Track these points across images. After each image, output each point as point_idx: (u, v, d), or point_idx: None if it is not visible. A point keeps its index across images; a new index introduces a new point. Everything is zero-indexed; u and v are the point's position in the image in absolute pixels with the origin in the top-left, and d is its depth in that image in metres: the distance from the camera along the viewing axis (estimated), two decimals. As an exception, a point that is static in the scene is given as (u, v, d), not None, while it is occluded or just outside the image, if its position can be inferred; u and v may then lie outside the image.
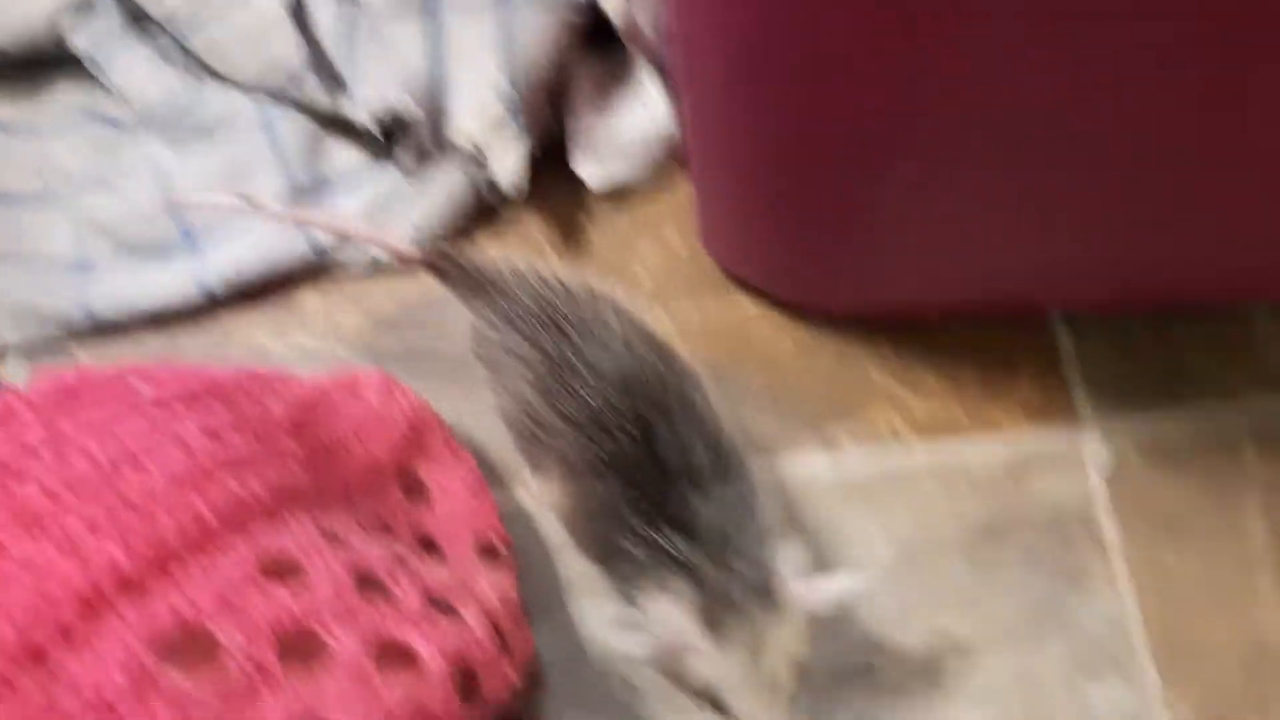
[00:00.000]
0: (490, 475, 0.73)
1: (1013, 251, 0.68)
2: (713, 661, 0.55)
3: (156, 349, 0.76)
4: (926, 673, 0.70)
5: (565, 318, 0.62)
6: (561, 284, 0.65)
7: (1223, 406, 0.78)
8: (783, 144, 0.61)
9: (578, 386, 0.60)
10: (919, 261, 0.69)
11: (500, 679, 0.51)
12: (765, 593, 0.55)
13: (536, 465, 0.66)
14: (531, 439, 0.64)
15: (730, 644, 0.54)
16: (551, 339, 0.61)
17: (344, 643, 0.44)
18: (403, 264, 0.73)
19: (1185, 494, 0.75)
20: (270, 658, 0.42)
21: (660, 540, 0.56)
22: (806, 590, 0.56)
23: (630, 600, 0.58)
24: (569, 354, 0.60)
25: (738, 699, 0.55)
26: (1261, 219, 0.65)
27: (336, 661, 0.43)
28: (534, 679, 0.68)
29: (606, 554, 0.61)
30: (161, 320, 0.78)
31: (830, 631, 0.69)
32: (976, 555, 0.73)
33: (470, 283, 0.67)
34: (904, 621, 0.71)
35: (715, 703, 0.56)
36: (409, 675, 0.45)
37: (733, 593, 0.54)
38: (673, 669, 0.57)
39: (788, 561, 0.57)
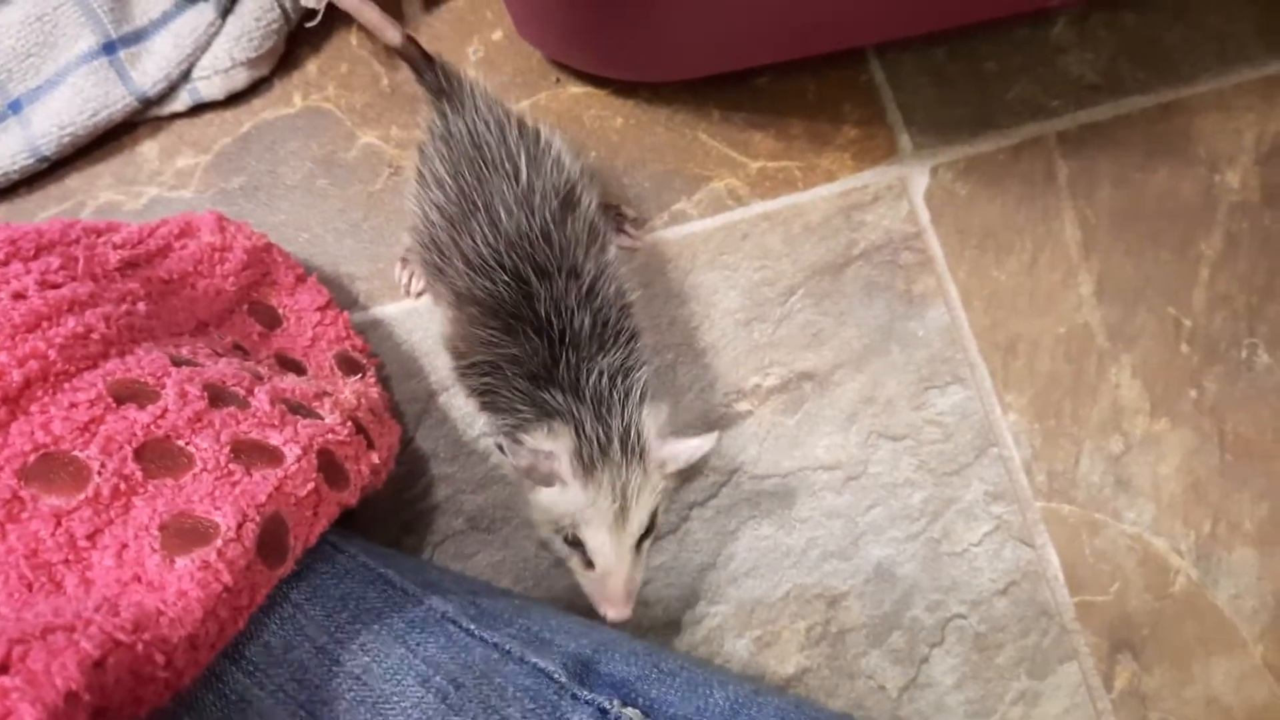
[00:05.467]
0: (346, 290, 0.76)
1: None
2: (578, 496, 0.61)
3: (5, 220, 0.77)
4: (787, 408, 0.76)
5: (490, 159, 0.65)
6: (505, 117, 0.68)
7: (1032, 124, 0.82)
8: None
9: (478, 229, 0.64)
10: (723, 11, 0.69)
11: (366, 466, 0.56)
12: (635, 448, 0.62)
13: (431, 286, 0.70)
14: (430, 262, 0.68)
15: (596, 484, 0.61)
16: (471, 175, 0.65)
17: (202, 448, 0.47)
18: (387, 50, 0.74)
19: (1003, 210, 0.80)
20: (133, 469, 0.45)
21: (548, 399, 0.62)
22: (668, 451, 0.63)
23: (513, 437, 0.63)
24: (479, 197, 0.64)
25: (594, 533, 0.62)
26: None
27: (199, 465, 0.47)
28: (418, 469, 0.73)
29: (494, 403, 0.66)
30: (4, 192, 0.78)
31: (693, 388, 0.75)
32: (819, 292, 0.78)
33: (436, 83, 0.70)
34: (761, 366, 0.77)
35: (568, 535, 0.63)
36: (273, 469, 0.49)
37: (607, 442, 0.61)
38: (543, 484, 0.63)
39: (654, 422, 0.64)
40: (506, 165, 0.65)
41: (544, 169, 0.66)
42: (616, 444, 0.61)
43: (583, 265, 0.64)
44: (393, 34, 0.72)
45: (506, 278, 0.63)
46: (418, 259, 0.71)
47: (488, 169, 0.65)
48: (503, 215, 0.64)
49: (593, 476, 0.61)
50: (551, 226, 0.64)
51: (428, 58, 0.71)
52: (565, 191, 0.66)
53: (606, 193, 0.78)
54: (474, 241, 0.64)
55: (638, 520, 0.62)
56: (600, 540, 0.61)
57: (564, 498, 0.62)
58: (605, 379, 0.63)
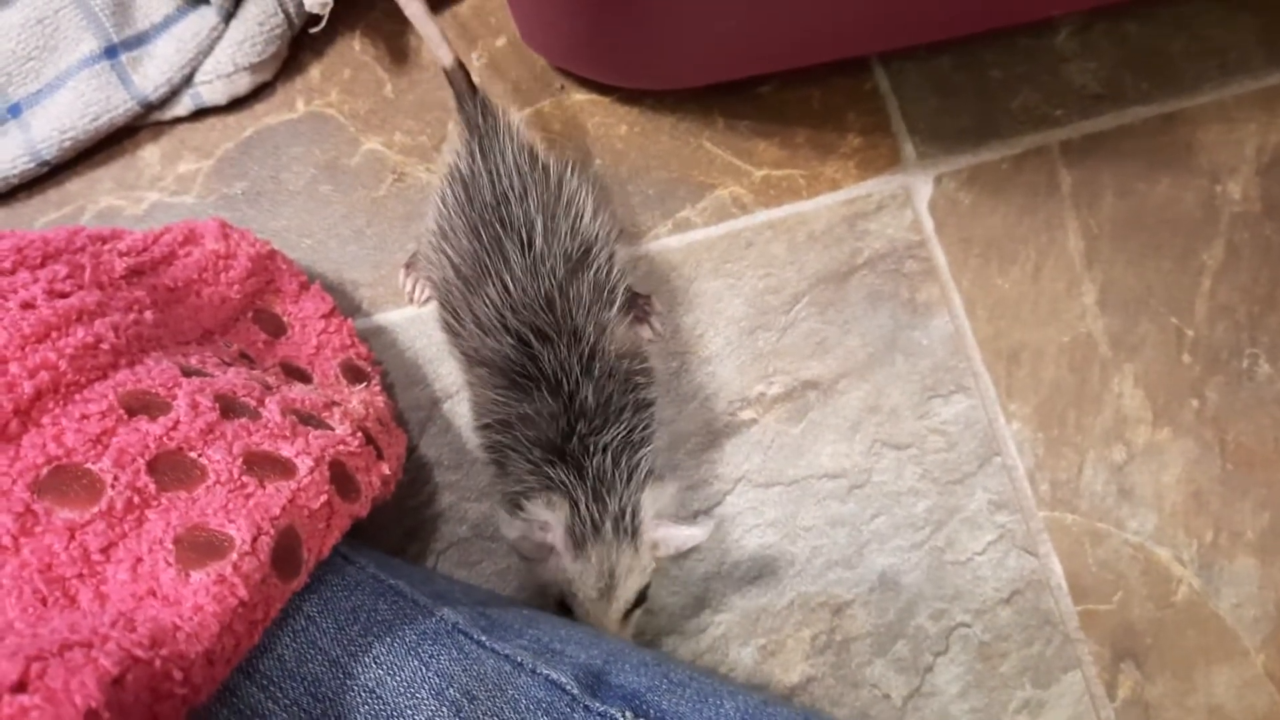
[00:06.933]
0: (350, 297, 0.76)
1: None
2: (567, 567, 0.63)
3: (4, 225, 0.77)
4: (791, 417, 0.76)
5: (507, 219, 0.65)
6: (530, 165, 0.67)
7: (1036, 134, 0.82)
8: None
9: (489, 293, 0.64)
10: (728, 19, 0.69)
11: (376, 477, 0.56)
12: (628, 529, 0.63)
13: (450, 349, 0.71)
14: (447, 323, 0.69)
15: (586, 559, 0.62)
16: (489, 236, 0.65)
17: (215, 460, 0.47)
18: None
19: (1007, 220, 0.81)
20: (146, 482, 0.45)
21: (551, 473, 0.63)
22: (661, 535, 0.64)
23: (515, 501, 0.64)
24: (492, 262, 0.64)
25: (578, 603, 0.63)
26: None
27: (212, 477, 0.47)
28: (422, 476, 0.73)
29: (503, 464, 0.66)
30: (3, 196, 0.77)
31: (697, 395, 0.75)
32: (823, 301, 0.78)
33: (474, 117, 0.69)
34: (765, 374, 0.77)
35: (559, 599, 0.64)
36: (286, 481, 0.48)
37: (600, 522, 0.62)
38: (534, 560, 0.65)
39: (653, 504, 0.64)
40: (522, 230, 0.65)
41: (560, 233, 0.65)
42: (609, 524, 0.62)
43: (583, 328, 0.64)
44: (445, 53, 0.70)
45: (511, 340, 0.64)
46: (438, 319, 0.71)
47: (504, 230, 0.65)
48: (511, 283, 0.64)
49: (583, 552, 0.62)
50: (556, 293, 0.64)
51: (473, 88, 0.70)
52: (578, 256, 0.66)
53: (611, 203, 0.78)
54: (485, 304, 0.64)
55: (623, 597, 0.63)
56: (585, 612, 0.63)
57: (554, 566, 0.64)
58: (609, 458, 0.63)
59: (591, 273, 0.66)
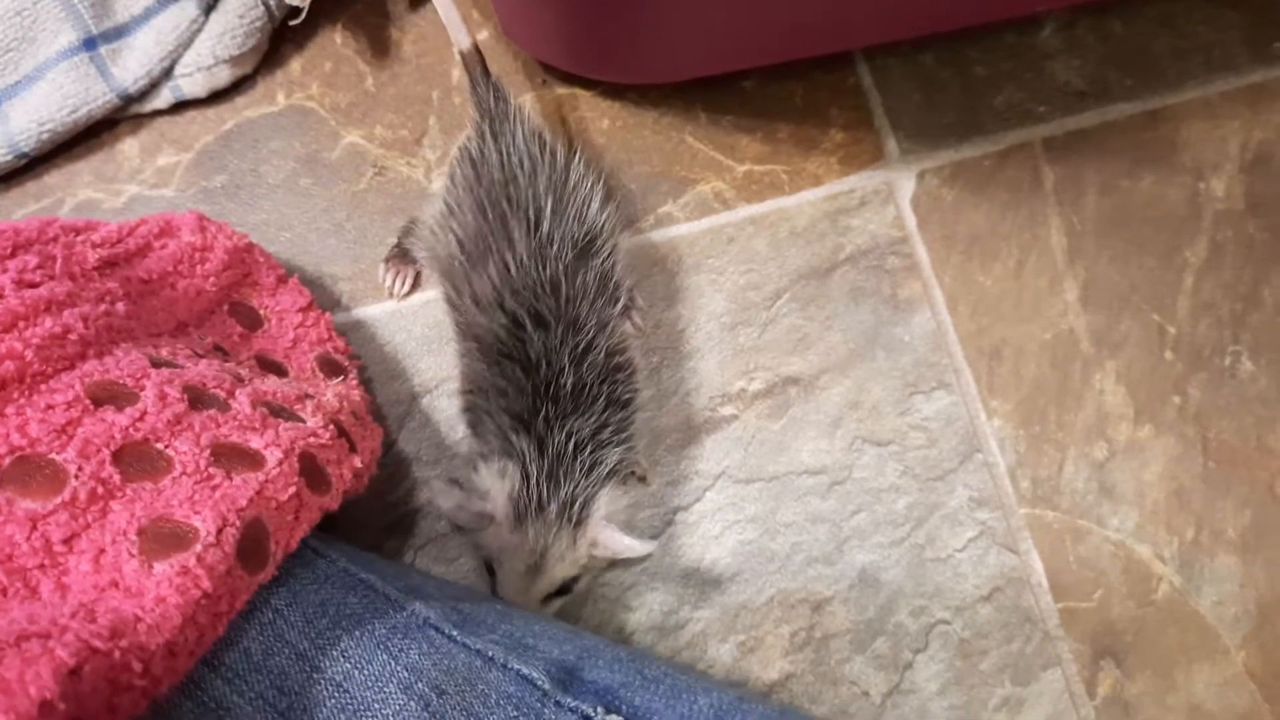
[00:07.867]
0: (329, 291, 0.76)
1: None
2: (504, 537, 0.63)
3: (-19, 217, 0.76)
4: (772, 413, 0.76)
5: (515, 199, 0.66)
6: (539, 148, 0.68)
7: (1019, 130, 0.82)
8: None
9: (491, 272, 0.65)
10: (710, 14, 0.69)
11: (348, 470, 0.55)
12: (573, 518, 0.63)
13: (450, 315, 0.71)
14: (448, 296, 0.70)
15: (522, 533, 0.62)
16: (495, 215, 0.66)
17: (182, 452, 0.47)
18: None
19: (990, 216, 0.80)
20: (111, 473, 0.45)
21: (514, 441, 0.63)
22: (603, 536, 0.64)
23: (472, 463, 0.65)
24: (496, 241, 0.65)
25: (504, 573, 0.64)
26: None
27: (178, 468, 0.46)
28: (401, 471, 0.73)
29: (475, 426, 0.67)
30: (-19, 188, 0.77)
31: (678, 391, 0.74)
32: (805, 297, 0.78)
33: (486, 100, 0.70)
34: (746, 370, 0.77)
35: (487, 565, 0.65)
36: (254, 473, 0.48)
37: (546, 502, 0.62)
38: (470, 530, 0.65)
39: (607, 504, 0.64)
40: (530, 211, 0.65)
41: (566, 217, 0.66)
42: (555, 507, 0.63)
43: (585, 320, 0.65)
44: (463, 36, 0.72)
45: (505, 319, 0.64)
46: (440, 295, 0.72)
47: (511, 209, 0.65)
48: (513, 264, 0.64)
49: (521, 526, 0.62)
50: (562, 278, 0.64)
51: (486, 72, 0.72)
52: (584, 243, 0.66)
53: (617, 197, 0.78)
54: (485, 282, 0.65)
55: (548, 580, 0.63)
56: (508, 584, 0.64)
57: (492, 533, 0.64)
58: (572, 445, 0.63)
59: (598, 262, 0.66)
